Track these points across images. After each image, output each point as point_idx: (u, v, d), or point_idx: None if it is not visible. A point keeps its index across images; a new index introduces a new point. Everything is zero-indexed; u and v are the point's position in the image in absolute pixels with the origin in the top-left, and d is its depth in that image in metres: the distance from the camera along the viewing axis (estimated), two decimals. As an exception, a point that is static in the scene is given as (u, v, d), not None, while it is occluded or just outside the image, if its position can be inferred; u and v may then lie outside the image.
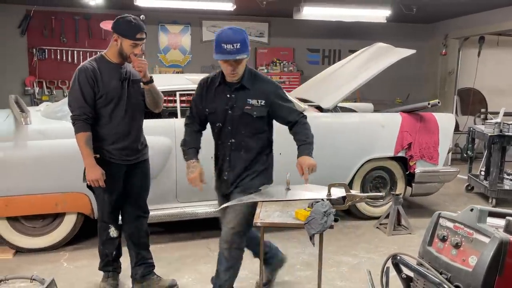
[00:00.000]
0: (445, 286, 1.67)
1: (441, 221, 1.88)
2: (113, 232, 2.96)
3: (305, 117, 2.63)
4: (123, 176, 2.91)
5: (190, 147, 2.61)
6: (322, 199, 2.40)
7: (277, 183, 2.73)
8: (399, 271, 1.90)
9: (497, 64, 8.16)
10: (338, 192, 2.56)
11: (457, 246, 1.76)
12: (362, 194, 2.74)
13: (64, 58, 7.28)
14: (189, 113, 2.70)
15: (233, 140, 2.53)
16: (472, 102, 7.89)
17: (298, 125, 2.58)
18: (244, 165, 2.55)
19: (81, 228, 3.80)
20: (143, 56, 2.99)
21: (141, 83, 2.86)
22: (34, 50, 7.16)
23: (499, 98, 7.87)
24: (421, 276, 1.76)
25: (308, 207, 2.34)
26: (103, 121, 2.80)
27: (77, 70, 2.77)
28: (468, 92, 7.94)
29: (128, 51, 2.74)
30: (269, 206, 2.50)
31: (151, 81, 2.82)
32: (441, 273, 1.74)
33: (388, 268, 1.89)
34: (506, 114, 5.73)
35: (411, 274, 1.89)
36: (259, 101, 2.48)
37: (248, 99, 2.48)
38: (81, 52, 7.31)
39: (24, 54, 7.18)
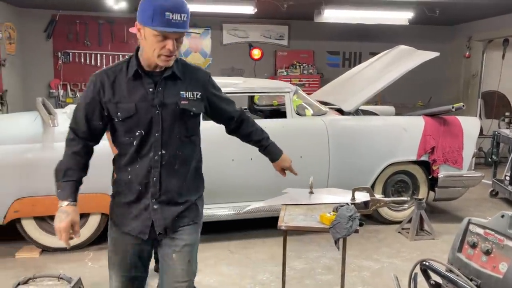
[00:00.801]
0: (475, 293, 1.65)
1: (471, 227, 1.86)
2: None
3: (244, 110, 2.21)
4: None
5: (68, 179, 1.84)
6: (347, 203, 2.39)
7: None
8: (427, 277, 1.87)
9: (522, 66, 7.98)
10: (362, 197, 2.55)
11: (487, 252, 1.74)
12: (386, 198, 2.71)
13: (88, 61, 7.44)
14: (71, 126, 1.91)
15: (163, 152, 1.83)
16: (496, 105, 7.74)
17: (246, 123, 2.15)
18: (179, 184, 1.89)
19: (105, 229, 3.86)
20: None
21: None
22: (59, 53, 7.34)
23: (524, 102, 7.71)
24: (451, 283, 1.74)
25: (333, 211, 2.33)
26: None
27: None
28: (492, 95, 7.79)
29: None
30: (293, 209, 2.50)
31: None
32: (471, 280, 1.72)
33: (416, 273, 1.87)
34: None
35: (439, 280, 1.87)
36: (195, 93, 1.88)
37: (182, 92, 1.85)
38: (104, 56, 7.46)
39: (50, 57, 7.36)
